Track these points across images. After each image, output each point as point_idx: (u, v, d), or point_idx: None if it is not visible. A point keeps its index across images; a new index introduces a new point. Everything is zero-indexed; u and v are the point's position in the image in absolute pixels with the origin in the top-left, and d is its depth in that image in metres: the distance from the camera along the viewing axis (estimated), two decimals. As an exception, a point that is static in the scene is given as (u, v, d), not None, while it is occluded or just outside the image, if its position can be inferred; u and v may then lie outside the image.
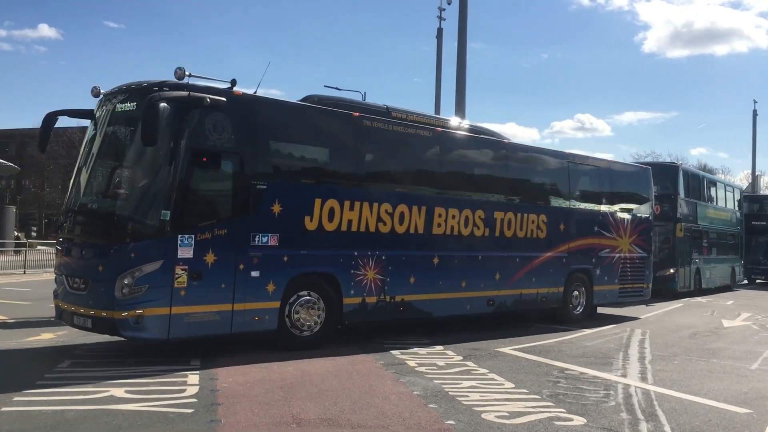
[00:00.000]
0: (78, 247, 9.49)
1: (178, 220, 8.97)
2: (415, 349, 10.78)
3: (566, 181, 15.18)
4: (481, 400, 7.47)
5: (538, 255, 14.19)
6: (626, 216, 16.57)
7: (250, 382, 8.03)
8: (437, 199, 12.37)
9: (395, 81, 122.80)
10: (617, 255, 16.18)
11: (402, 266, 11.66)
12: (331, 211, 10.69)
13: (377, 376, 8.65)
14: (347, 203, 10.90)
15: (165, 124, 8.96)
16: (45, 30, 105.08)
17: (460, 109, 22.65)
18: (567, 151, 15.86)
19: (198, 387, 7.63)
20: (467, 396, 7.64)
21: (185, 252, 8.98)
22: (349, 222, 10.93)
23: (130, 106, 9.38)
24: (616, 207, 16.39)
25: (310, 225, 10.43)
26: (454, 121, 14.08)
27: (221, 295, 9.35)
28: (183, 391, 7.44)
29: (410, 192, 12.00)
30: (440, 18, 32.29)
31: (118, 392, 7.25)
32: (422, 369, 9.15)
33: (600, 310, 16.90)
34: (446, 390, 7.92)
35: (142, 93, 9.23)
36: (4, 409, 6.45)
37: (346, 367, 9.17)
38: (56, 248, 10.08)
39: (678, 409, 7.47)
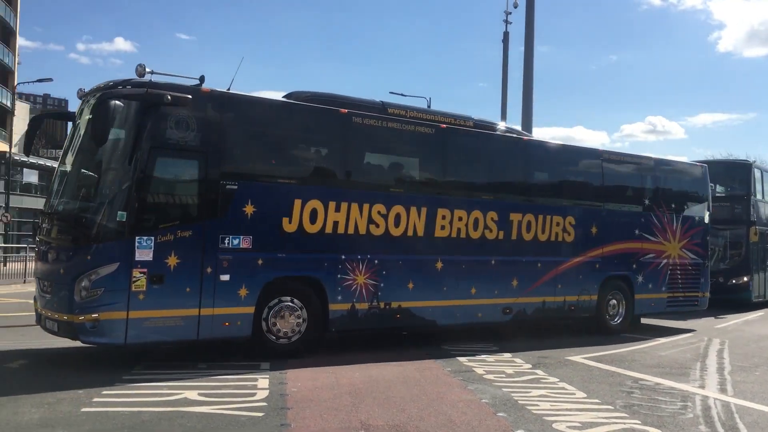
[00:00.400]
0: (46, 249, 9.47)
1: (136, 222, 8.73)
2: (483, 357, 10.65)
3: (599, 180, 14.11)
4: (552, 410, 7.32)
5: (564, 260, 13.20)
6: (676, 218, 15.27)
7: (319, 386, 8.10)
8: (440, 200, 11.60)
9: (460, 87, 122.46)
10: (664, 261, 14.90)
11: (398, 271, 11.03)
12: (314, 213, 10.19)
13: (445, 383, 8.58)
14: (332, 204, 10.36)
15: (121, 122, 8.93)
16: (120, 43, 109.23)
17: (527, 114, 22.38)
18: (602, 148, 14.92)
19: (268, 391, 7.73)
20: (537, 405, 7.50)
21: (144, 254, 8.71)
22: (335, 224, 10.40)
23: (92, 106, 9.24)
24: (663, 208, 15.06)
25: (289, 227, 9.97)
26: (470, 119, 12.79)
27: (186, 299, 9.01)
28: (253, 394, 7.55)
29: (408, 193, 11.37)
30: (506, 22, 32.01)
31: (192, 395, 7.42)
32: (490, 377, 9.04)
33: (661, 321, 16.32)
34: (515, 398, 7.79)
35: (100, 91, 9.19)
36: (84, 409, 6.68)
37: (414, 373, 9.13)
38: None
39: (761, 422, 7.16)
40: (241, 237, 9.51)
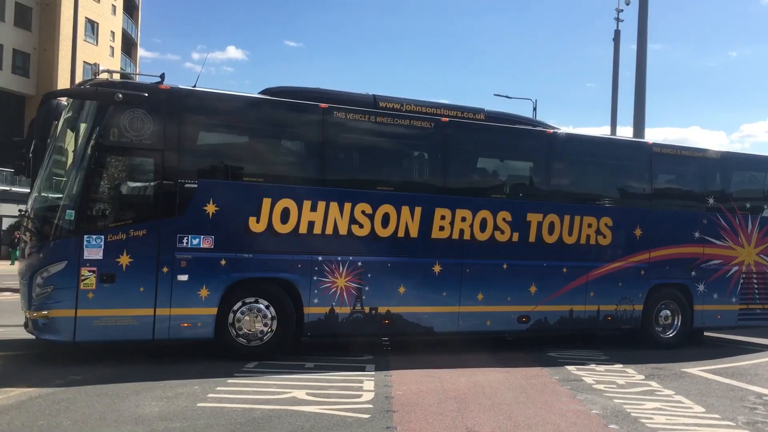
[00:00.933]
0: (22, 248, 9.71)
1: (85, 220, 8.71)
2: (592, 366, 10.33)
3: (647, 177, 12.65)
4: (668, 424, 7.01)
5: (598, 265, 11.87)
6: (752, 220, 13.31)
7: (424, 391, 8.10)
8: (438, 199, 10.79)
9: (568, 88, 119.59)
10: (735, 268, 13.08)
11: (386, 274, 10.34)
12: (286, 212, 9.73)
13: (553, 392, 8.39)
14: (307, 204, 9.86)
15: (73, 121, 9.05)
16: (232, 51, 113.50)
17: (639, 115, 21.55)
18: (652, 141, 13.49)
19: (373, 393, 7.81)
20: (651, 418, 7.19)
21: (93, 253, 8.65)
22: (311, 224, 9.89)
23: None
24: (734, 209, 13.15)
25: (257, 227, 9.57)
26: (481, 111, 11.55)
27: (140, 299, 8.86)
28: (359, 396, 7.65)
29: (399, 192, 10.63)
30: (617, 20, 30.96)
31: (300, 394, 7.59)
32: (600, 387, 8.76)
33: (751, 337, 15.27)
34: (628, 410, 7.50)
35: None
36: (199, 404, 6.97)
37: (520, 380, 8.98)
38: None
39: None
40: (202, 237, 9.24)
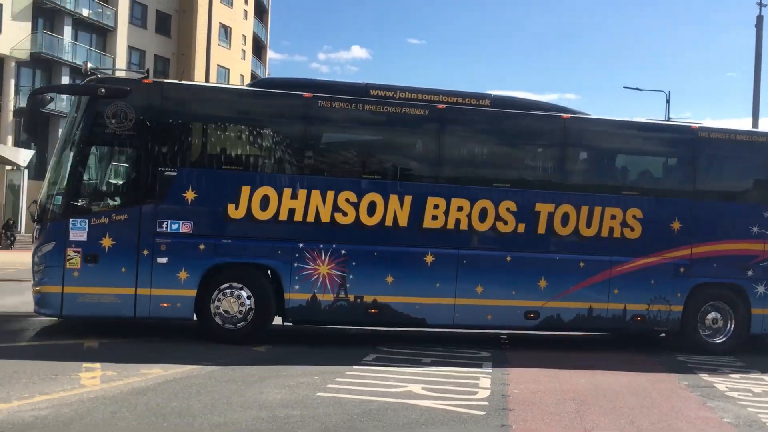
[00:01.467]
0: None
1: (70, 205, 9.50)
2: (726, 372, 9.77)
3: (690, 165, 11.45)
4: (808, 437, 6.56)
5: (624, 260, 10.90)
6: None
7: (542, 390, 7.97)
8: (431, 188, 10.54)
9: (705, 78, 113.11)
10: None
11: (373, 263, 10.26)
12: (265, 199, 9.93)
13: (680, 398, 8.02)
14: (288, 191, 10.01)
15: (68, 116, 10.21)
16: (357, 51, 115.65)
17: (783, 105, 20.13)
18: (694, 123, 11.94)
19: (489, 390, 7.77)
20: (790, 430, 6.76)
21: (78, 235, 9.40)
22: (291, 211, 10.02)
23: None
24: None
25: (236, 213, 9.85)
26: (488, 96, 11.07)
27: (122, 278, 9.48)
28: (475, 393, 7.63)
29: (387, 180, 10.53)
30: (760, 5, 29.01)
31: (416, 388, 7.66)
32: (734, 394, 8.27)
33: None
34: (764, 421, 7.06)
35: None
36: (319, 394, 7.20)
37: (645, 384, 8.64)
38: None
39: None
40: (181, 222, 9.70)
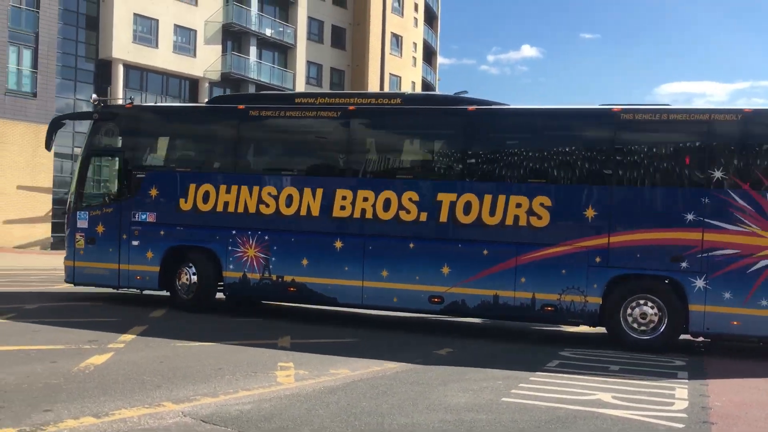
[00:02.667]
0: None
1: (78, 202, 13.26)
2: None
3: (607, 147, 10.74)
4: None
5: (531, 249, 10.74)
6: None
7: (746, 403, 7.37)
8: (339, 181, 11.87)
9: None
10: (765, 261, 9.93)
11: (290, 247, 11.92)
12: (206, 194, 12.31)
13: None
14: (223, 187, 12.24)
15: (89, 135, 13.69)
16: (527, 50, 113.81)
17: None
18: (614, 105, 10.85)
19: (687, 402, 7.29)
20: None
21: (82, 224, 13.01)
22: (226, 203, 12.23)
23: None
24: (764, 183, 10.03)
25: (185, 206, 12.46)
26: (401, 95, 12.56)
27: (109, 256, 12.80)
28: (671, 404, 7.20)
29: (302, 175, 12.26)
30: None
31: (605, 397, 7.37)
32: None
33: None
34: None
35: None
36: (503, 399, 7.13)
37: None
38: None
39: None
40: (148, 213, 12.67)
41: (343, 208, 11.64)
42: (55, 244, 32.47)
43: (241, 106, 12.61)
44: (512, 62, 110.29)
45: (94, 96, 14.48)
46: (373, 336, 10.96)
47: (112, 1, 35.70)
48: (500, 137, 11.76)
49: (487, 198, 10.98)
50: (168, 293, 12.98)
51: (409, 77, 55.50)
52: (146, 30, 37.68)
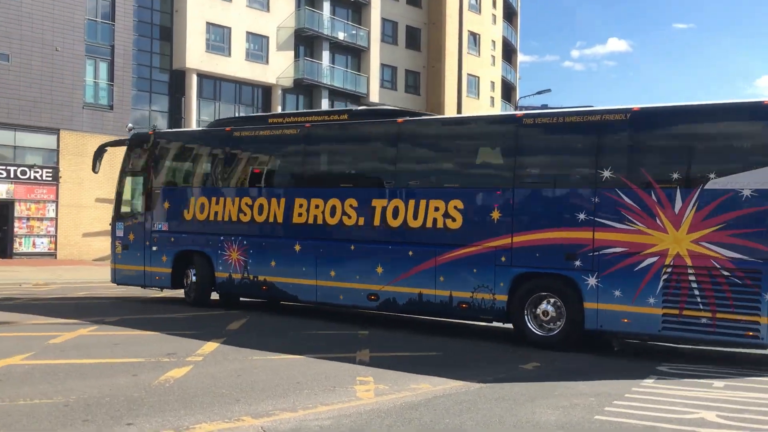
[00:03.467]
0: None
1: (117, 214, 16.52)
2: None
3: (512, 151, 11.68)
4: None
5: (446, 250, 11.93)
6: (685, 194, 10.02)
7: None
8: (298, 191, 13.79)
9: None
10: (651, 259, 10.19)
11: (262, 251, 14.14)
12: (202, 206, 14.90)
13: None
14: (214, 199, 14.77)
15: (123, 158, 16.65)
16: (614, 44, 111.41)
17: None
18: (524, 112, 12.56)
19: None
20: None
21: (119, 233, 16.17)
22: (215, 213, 14.70)
23: None
24: (649, 181, 10.35)
25: (188, 216, 15.13)
26: (347, 111, 14.46)
27: (138, 260, 15.74)
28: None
29: (271, 187, 14.46)
30: None
31: (709, 416, 7.11)
32: None
33: None
34: None
35: None
36: (596, 417, 6.98)
37: None
38: None
39: None
40: (163, 223, 15.52)
41: (300, 215, 13.66)
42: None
43: (228, 128, 15.22)
44: (598, 57, 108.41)
45: (130, 125, 18.30)
46: (456, 349, 10.96)
47: (185, 10, 37.06)
48: (422, 146, 13.25)
49: (411, 202, 12.35)
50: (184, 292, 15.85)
51: (488, 77, 55.14)
52: (219, 38, 38.85)
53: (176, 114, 38.11)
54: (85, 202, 32.87)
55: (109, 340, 10.78)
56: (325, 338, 11.79)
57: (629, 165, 10.57)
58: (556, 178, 11.36)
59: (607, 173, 10.59)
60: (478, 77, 53.41)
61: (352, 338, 11.66)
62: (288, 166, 14.94)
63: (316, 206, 13.34)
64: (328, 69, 44.01)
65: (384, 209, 12.57)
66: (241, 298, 15.63)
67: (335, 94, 44.12)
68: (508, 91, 61.72)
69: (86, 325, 12.03)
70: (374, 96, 45.77)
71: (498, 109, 55.50)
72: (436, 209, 11.99)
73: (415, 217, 12.21)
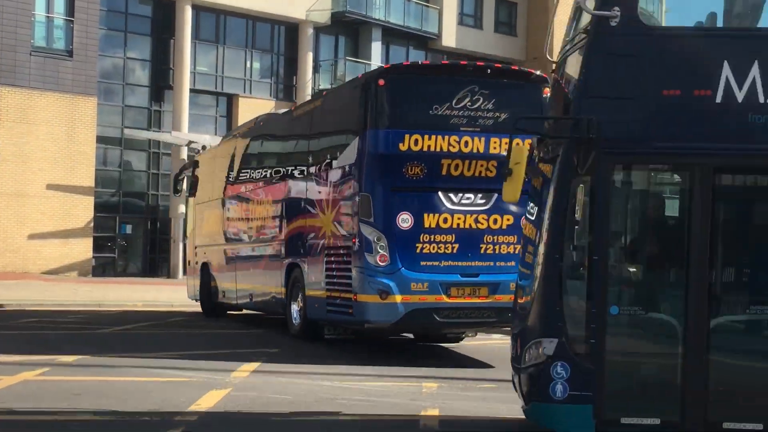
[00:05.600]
0: None
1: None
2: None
3: (286, 145, 16.74)
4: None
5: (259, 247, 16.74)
6: (326, 175, 14.10)
7: None
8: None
9: None
10: (321, 242, 13.66)
11: (226, 259, 19.04)
12: (206, 220, 21.73)
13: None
14: (210, 213, 21.39)
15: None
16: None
17: None
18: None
19: None
20: None
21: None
22: (211, 226, 21.04)
23: None
24: (320, 164, 14.38)
25: (201, 231, 22.18)
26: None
27: (191, 277, 22.46)
28: None
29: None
30: None
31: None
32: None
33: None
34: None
35: None
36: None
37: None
38: None
39: None
40: (196, 237, 22.49)
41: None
42: (98, 269, 33.49)
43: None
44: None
45: (203, 145, 25.06)
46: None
47: None
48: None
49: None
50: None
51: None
52: (223, -44, 33.40)
53: (162, 63, 35.97)
54: (32, 189, 30.90)
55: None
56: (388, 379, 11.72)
57: (313, 148, 15.87)
58: (293, 171, 16.55)
59: (310, 159, 15.93)
60: None
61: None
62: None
63: None
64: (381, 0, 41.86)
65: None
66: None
67: (392, 34, 42.23)
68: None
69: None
70: (449, 38, 42.15)
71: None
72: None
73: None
